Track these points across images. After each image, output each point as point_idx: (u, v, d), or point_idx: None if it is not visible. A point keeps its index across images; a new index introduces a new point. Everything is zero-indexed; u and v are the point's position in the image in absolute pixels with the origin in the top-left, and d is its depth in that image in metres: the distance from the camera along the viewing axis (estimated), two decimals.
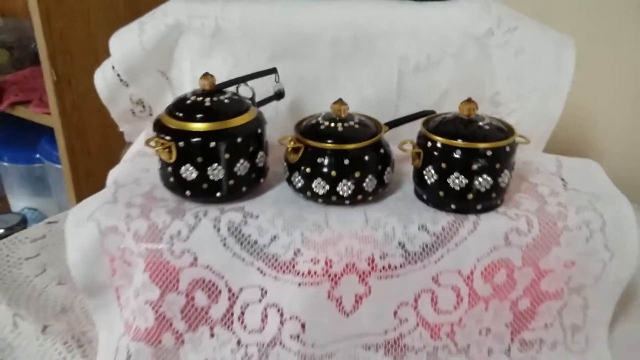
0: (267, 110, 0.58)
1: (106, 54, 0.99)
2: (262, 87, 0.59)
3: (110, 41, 0.63)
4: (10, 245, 0.71)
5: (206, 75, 0.51)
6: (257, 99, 0.59)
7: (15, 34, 1.35)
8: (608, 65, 0.89)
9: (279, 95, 0.59)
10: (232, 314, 0.50)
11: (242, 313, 0.50)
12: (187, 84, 0.64)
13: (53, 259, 0.69)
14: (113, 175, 0.60)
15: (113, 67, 0.63)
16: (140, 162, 0.60)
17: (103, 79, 0.64)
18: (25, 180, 1.41)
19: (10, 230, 1.20)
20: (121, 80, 0.64)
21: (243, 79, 0.55)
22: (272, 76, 0.59)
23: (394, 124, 0.55)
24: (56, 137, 1.00)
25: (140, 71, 0.63)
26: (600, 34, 0.87)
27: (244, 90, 0.56)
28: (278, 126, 0.58)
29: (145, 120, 0.70)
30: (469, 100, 0.51)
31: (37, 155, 1.35)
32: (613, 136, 0.92)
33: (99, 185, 1.02)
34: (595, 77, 0.89)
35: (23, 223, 1.24)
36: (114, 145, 1.05)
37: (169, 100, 0.68)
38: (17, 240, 0.72)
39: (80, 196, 1.02)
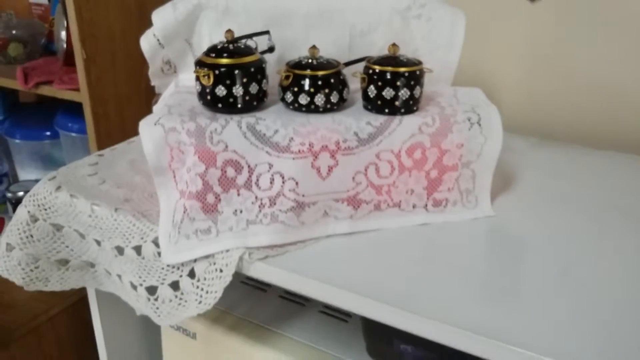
0: None
1: (120, 38, 1.26)
2: (260, 44, 0.87)
3: (152, 15, 0.88)
4: (72, 169, 0.95)
5: (229, 30, 0.79)
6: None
7: (27, 30, 1.57)
8: (502, 42, 1.22)
9: (271, 49, 0.86)
10: (251, 181, 0.75)
11: (257, 179, 0.75)
12: (204, 46, 0.91)
13: (109, 175, 0.92)
14: (159, 105, 0.87)
15: (154, 35, 0.90)
16: (177, 97, 0.86)
17: (147, 43, 0.90)
18: (36, 155, 1.63)
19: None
20: (159, 43, 0.90)
21: (249, 36, 0.83)
22: (267, 36, 0.87)
23: (348, 63, 0.84)
24: (84, 107, 1.24)
25: (172, 37, 0.89)
26: (494, 19, 1.20)
27: (249, 43, 0.84)
28: (270, 71, 0.86)
29: (171, 76, 0.95)
30: (394, 45, 0.81)
31: (48, 133, 1.59)
32: (509, 86, 1.25)
33: (115, 143, 1.27)
34: (494, 49, 1.22)
35: None
36: (126, 112, 1.32)
37: (190, 60, 0.94)
38: (77, 165, 0.97)
39: None
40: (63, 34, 1.40)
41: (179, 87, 0.92)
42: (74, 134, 1.43)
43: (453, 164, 0.82)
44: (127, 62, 1.25)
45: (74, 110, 1.39)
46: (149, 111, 0.84)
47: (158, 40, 0.90)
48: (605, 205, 0.87)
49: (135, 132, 0.88)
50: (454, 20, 0.93)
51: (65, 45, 1.39)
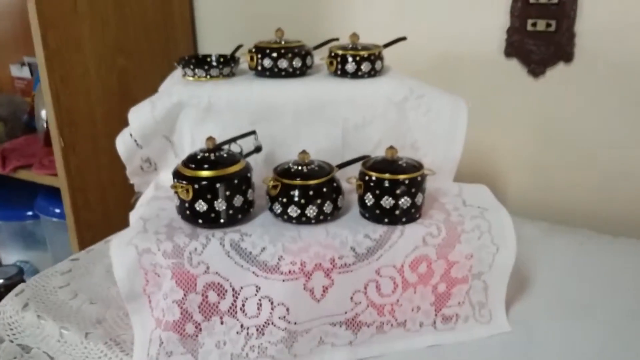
0: (249, 160, 0.78)
1: (103, 123, 1.20)
2: (245, 145, 0.80)
3: (129, 114, 0.82)
4: (44, 279, 0.87)
5: (210, 138, 0.72)
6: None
7: (8, 107, 1.52)
8: (506, 119, 1.15)
9: (258, 149, 0.79)
10: (236, 306, 0.68)
11: (243, 305, 0.68)
12: (186, 144, 0.84)
13: (81, 287, 0.85)
14: (136, 214, 0.79)
15: (130, 135, 0.83)
16: (155, 204, 0.79)
17: (123, 143, 0.83)
18: (18, 236, 1.55)
19: (9, 280, 1.33)
20: (137, 144, 0.83)
21: (234, 139, 0.76)
22: (252, 136, 0.80)
23: (342, 165, 0.76)
24: (62, 196, 1.17)
25: (151, 136, 0.83)
26: (497, 96, 1.14)
27: (234, 147, 0.77)
28: (257, 171, 0.78)
29: (151, 174, 0.89)
30: (391, 147, 0.73)
31: (30, 213, 1.51)
32: (517, 168, 1.18)
33: (98, 233, 1.20)
34: (498, 123, 1.16)
35: (21, 273, 1.37)
36: (110, 200, 1.24)
37: (171, 157, 0.87)
38: (49, 274, 0.88)
39: (82, 244, 1.18)
40: (43, 113, 1.33)
41: (159, 188, 0.85)
42: (55, 219, 1.35)
43: (463, 276, 0.74)
44: (110, 147, 1.17)
45: (56, 192, 1.31)
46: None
47: (135, 140, 0.83)
48: (627, 311, 0.79)
49: (119, 221, 0.81)
50: (456, 111, 0.86)
51: (45, 125, 1.33)
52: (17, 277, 1.34)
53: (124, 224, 0.80)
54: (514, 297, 0.80)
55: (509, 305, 0.78)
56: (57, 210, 1.35)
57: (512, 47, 1.08)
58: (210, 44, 1.44)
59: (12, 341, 0.81)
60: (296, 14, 1.27)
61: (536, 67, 1.07)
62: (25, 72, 1.62)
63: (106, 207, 1.22)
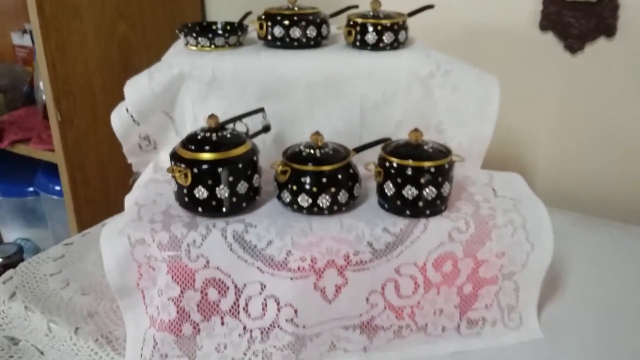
0: (256, 141, 0.71)
1: (102, 94, 1.12)
2: (252, 123, 0.72)
3: (125, 88, 0.75)
4: (34, 264, 0.81)
5: (212, 116, 0.64)
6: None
7: (7, 77, 1.45)
8: (538, 99, 1.05)
9: (266, 129, 0.72)
10: (238, 306, 0.62)
11: (247, 304, 0.61)
12: (188, 121, 0.77)
13: (74, 274, 0.79)
14: (131, 198, 0.72)
15: (127, 110, 0.75)
16: (153, 187, 0.72)
17: (118, 119, 0.76)
18: (19, 213, 1.50)
19: (8, 259, 1.28)
20: (134, 120, 0.75)
21: (239, 117, 0.68)
22: (261, 114, 0.72)
23: (359, 149, 0.69)
24: (59, 172, 1.10)
25: (149, 112, 0.75)
26: (530, 73, 1.04)
27: (239, 126, 0.69)
28: (265, 154, 0.71)
29: (150, 153, 0.81)
30: (416, 130, 0.65)
31: (31, 189, 1.45)
32: (547, 154, 1.09)
33: (98, 211, 1.13)
34: (529, 103, 1.06)
35: (20, 252, 1.32)
36: (110, 176, 1.17)
37: (172, 135, 0.80)
38: (40, 260, 0.82)
39: (80, 223, 1.12)
40: (42, 83, 1.26)
41: (158, 170, 0.77)
42: (55, 197, 1.29)
43: (492, 276, 0.67)
44: (110, 120, 1.10)
45: (55, 168, 1.25)
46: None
47: (132, 116, 0.75)
48: None
49: (120, 199, 0.75)
50: (486, 89, 0.77)
51: (44, 97, 1.25)
52: (16, 257, 1.29)
53: (124, 202, 0.74)
54: (544, 298, 0.73)
55: (540, 310, 0.71)
56: (57, 188, 1.29)
57: (548, 19, 0.98)
58: (220, 11, 1.35)
59: None
60: None
61: (574, 42, 0.97)
62: (26, 40, 1.54)
63: (106, 183, 1.15)
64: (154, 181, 0.74)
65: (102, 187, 1.16)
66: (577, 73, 1.00)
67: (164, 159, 0.78)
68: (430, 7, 0.79)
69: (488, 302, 0.67)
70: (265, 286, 0.61)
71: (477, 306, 0.67)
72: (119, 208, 0.75)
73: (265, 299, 0.62)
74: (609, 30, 0.94)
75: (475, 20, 1.04)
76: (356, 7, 0.84)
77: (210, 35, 0.77)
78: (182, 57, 0.75)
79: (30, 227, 1.51)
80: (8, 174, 1.48)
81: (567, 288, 0.77)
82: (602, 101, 1.00)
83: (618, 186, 1.03)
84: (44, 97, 1.24)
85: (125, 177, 0.86)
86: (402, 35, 0.77)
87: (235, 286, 0.62)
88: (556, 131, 1.05)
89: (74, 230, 1.13)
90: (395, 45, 0.77)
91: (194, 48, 0.78)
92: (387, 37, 0.76)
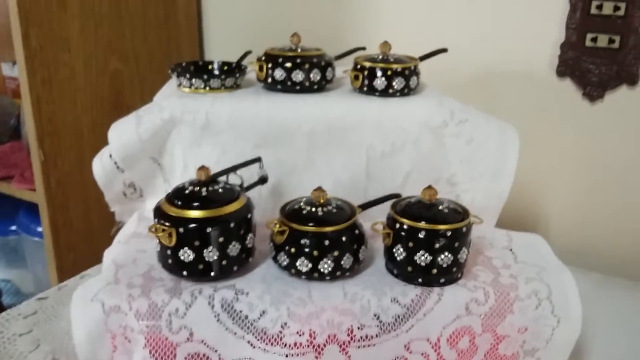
0: (251, 193, 0.64)
1: (91, 133, 1.05)
2: (247, 174, 0.66)
3: (109, 132, 0.68)
4: (3, 322, 0.73)
5: (203, 167, 0.57)
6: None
7: None
8: (553, 150, 0.99)
9: (263, 180, 0.65)
10: None
11: None
12: (178, 169, 0.70)
13: (46, 335, 0.72)
14: (110, 255, 0.65)
15: (110, 156, 0.69)
16: (135, 243, 0.65)
17: (101, 166, 0.69)
18: (0, 252, 1.42)
19: None
20: (117, 167, 0.69)
21: (233, 169, 0.62)
22: (257, 164, 0.65)
23: (365, 206, 0.62)
24: (40, 213, 1.03)
25: (135, 159, 0.69)
26: (545, 121, 0.98)
27: (233, 178, 0.62)
28: (261, 207, 0.64)
29: (136, 201, 0.75)
30: (430, 187, 0.59)
31: (13, 228, 1.37)
32: (564, 209, 1.02)
33: (80, 257, 1.05)
34: (544, 152, 1.00)
35: None
36: (94, 220, 1.10)
37: (159, 182, 0.73)
38: (9, 317, 0.75)
39: (61, 269, 1.04)
40: (26, 120, 1.19)
41: (143, 221, 0.70)
42: (36, 239, 1.21)
43: (512, 353, 0.60)
44: None
45: (38, 208, 1.18)
46: None
47: (115, 163, 0.69)
48: None
49: (104, 244, 0.69)
50: (504, 141, 0.72)
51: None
52: None
53: (103, 257, 0.67)
54: None
55: None
56: (39, 229, 1.21)
57: (566, 66, 0.93)
58: (219, 48, 1.29)
59: None
60: (317, 19, 1.12)
61: (593, 89, 0.92)
62: (17, 72, 1.48)
63: (90, 228, 1.08)
64: (136, 235, 0.67)
65: (85, 232, 1.08)
66: (597, 122, 0.94)
67: (150, 209, 0.71)
68: (444, 50, 0.74)
69: None
70: None
71: None
72: (102, 255, 0.67)
73: None
74: (631, 79, 0.89)
75: (489, 64, 0.99)
76: (363, 49, 0.78)
77: (205, 77, 0.71)
78: (173, 100, 0.69)
79: (12, 268, 1.42)
80: None
81: (591, 358, 0.70)
82: (623, 153, 0.94)
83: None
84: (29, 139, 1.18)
85: (111, 222, 0.79)
86: (413, 81, 0.71)
87: None
88: (573, 183, 0.99)
89: (53, 277, 1.05)
90: (406, 91, 0.71)
91: (186, 90, 0.72)
92: (397, 83, 0.70)
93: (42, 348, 0.70)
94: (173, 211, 0.55)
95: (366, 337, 0.55)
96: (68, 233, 1.06)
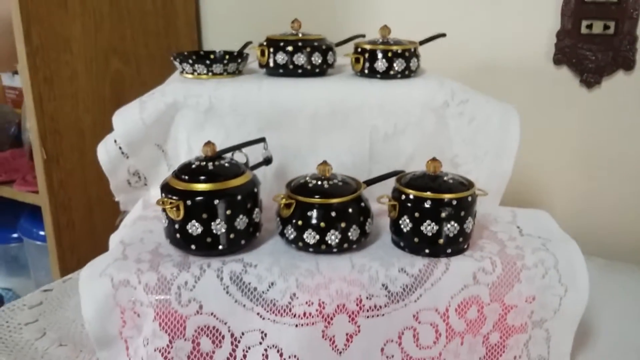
0: (256, 174, 0.65)
1: (92, 132, 1.06)
2: (252, 154, 0.66)
3: (114, 117, 0.69)
4: (8, 312, 0.73)
5: (208, 143, 0.58)
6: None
7: None
8: (553, 138, 1.00)
9: (267, 161, 0.66)
10: (235, 357, 0.54)
11: (245, 356, 0.54)
12: (182, 154, 0.71)
13: (52, 324, 0.71)
14: (116, 237, 0.65)
15: (115, 141, 0.69)
16: (141, 225, 0.65)
17: (106, 152, 0.70)
18: (1, 260, 1.41)
19: None
20: (122, 152, 0.69)
21: (238, 147, 0.62)
22: (261, 144, 0.66)
23: (370, 182, 0.63)
24: (43, 214, 1.03)
25: (139, 144, 0.69)
26: (544, 110, 0.99)
27: (238, 156, 0.63)
28: (266, 188, 0.64)
29: (140, 190, 0.75)
30: (434, 159, 0.59)
31: (15, 235, 1.37)
32: (563, 195, 1.03)
33: (83, 258, 1.05)
34: (543, 141, 1.01)
35: (0, 303, 1.24)
36: (97, 220, 1.10)
37: (163, 170, 0.74)
38: (15, 307, 0.74)
39: (64, 270, 1.04)
40: (28, 118, 1.20)
41: (148, 206, 0.71)
42: (38, 243, 1.21)
43: (521, 323, 0.60)
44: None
45: (40, 212, 1.18)
46: None
47: (120, 148, 0.69)
48: None
49: (107, 245, 0.69)
50: (505, 120, 0.72)
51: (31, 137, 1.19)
52: None
53: (109, 242, 0.68)
54: (575, 350, 0.65)
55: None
56: (42, 233, 1.21)
57: (563, 53, 0.94)
58: (218, 46, 1.30)
59: None
60: (315, 11, 1.13)
61: (590, 76, 0.93)
62: (16, 81, 1.49)
63: (93, 228, 1.08)
64: (142, 218, 0.67)
65: (88, 232, 1.08)
66: (594, 108, 0.95)
67: (154, 195, 0.71)
68: (442, 35, 0.75)
69: (517, 354, 0.60)
70: (266, 335, 0.54)
71: (505, 358, 0.60)
72: None
73: (266, 350, 0.54)
74: (627, 64, 0.90)
75: (486, 54, 1.00)
76: (363, 36, 0.80)
77: (207, 62, 0.72)
78: (176, 85, 0.70)
79: (13, 276, 1.42)
80: None
81: (599, 338, 0.69)
82: (620, 138, 0.95)
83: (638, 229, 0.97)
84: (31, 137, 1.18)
85: (114, 223, 0.79)
86: (413, 63, 0.72)
87: (232, 335, 0.55)
88: (572, 169, 1.00)
89: (56, 278, 1.04)
90: (407, 73, 0.72)
91: (189, 76, 0.73)
92: (398, 65, 0.71)
93: (48, 335, 0.70)
94: (180, 185, 0.56)
95: (375, 306, 0.55)
96: (70, 233, 1.06)
